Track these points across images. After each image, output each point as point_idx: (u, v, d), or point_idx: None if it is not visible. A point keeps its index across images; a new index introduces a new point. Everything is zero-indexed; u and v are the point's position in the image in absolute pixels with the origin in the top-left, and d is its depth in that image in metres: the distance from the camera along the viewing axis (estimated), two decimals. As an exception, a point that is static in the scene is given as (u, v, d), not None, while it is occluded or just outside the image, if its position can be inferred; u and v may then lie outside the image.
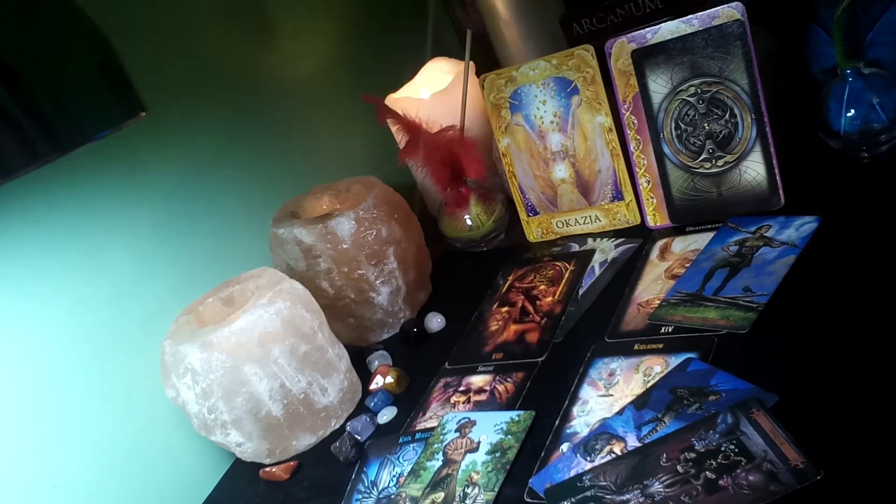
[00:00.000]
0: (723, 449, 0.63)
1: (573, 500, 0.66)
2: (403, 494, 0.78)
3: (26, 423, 0.85)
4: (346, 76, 1.35)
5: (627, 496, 0.64)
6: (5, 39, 0.66)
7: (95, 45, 0.74)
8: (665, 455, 0.65)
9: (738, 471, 0.61)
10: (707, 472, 0.62)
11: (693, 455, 0.64)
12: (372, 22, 1.42)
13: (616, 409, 0.74)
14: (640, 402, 0.73)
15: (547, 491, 0.68)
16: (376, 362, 1.02)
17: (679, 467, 0.64)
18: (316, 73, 1.30)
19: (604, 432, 0.71)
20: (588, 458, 0.70)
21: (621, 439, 0.70)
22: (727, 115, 0.91)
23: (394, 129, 1.17)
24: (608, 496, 0.65)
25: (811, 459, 0.59)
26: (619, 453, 0.68)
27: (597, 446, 0.70)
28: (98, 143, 0.74)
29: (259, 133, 1.17)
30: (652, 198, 0.99)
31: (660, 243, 0.96)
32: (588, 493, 0.66)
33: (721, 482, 0.61)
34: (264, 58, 1.21)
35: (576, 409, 0.77)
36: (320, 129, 1.29)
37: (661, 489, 0.63)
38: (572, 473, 0.69)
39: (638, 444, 0.68)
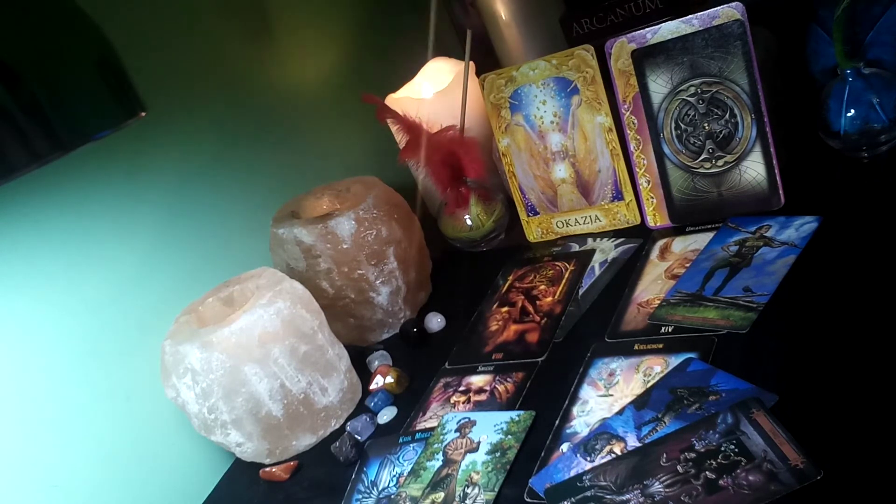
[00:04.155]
0: (723, 449, 0.63)
1: (573, 500, 0.66)
2: (403, 494, 0.78)
3: (26, 422, 0.85)
4: (346, 76, 1.35)
5: (627, 496, 0.64)
6: (5, 39, 0.66)
7: (95, 45, 0.74)
8: (665, 455, 0.65)
9: (738, 471, 0.61)
10: (707, 472, 0.62)
11: (693, 455, 0.64)
12: (372, 22, 1.42)
13: (616, 409, 0.74)
14: (640, 402, 0.73)
15: (547, 491, 0.68)
16: (376, 362, 1.02)
17: (679, 467, 0.64)
18: (316, 73, 1.30)
19: (604, 432, 0.71)
20: (588, 458, 0.70)
21: (621, 439, 0.70)
22: (727, 115, 0.91)
23: (394, 129, 1.17)
24: (608, 496, 0.65)
25: (811, 459, 0.59)
26: (619, 453, 0.68)
27: (597, 446, 0.70)
28: (98, 143, 0.74)
29: (259, 133, 1.17)
30: (652, 198, 0.99)
31: (660, 243, 0.96)
32: (588, 493, 0.66)
33: (721, 482, 0.61)
34: (265, 57, 1.21)
35: (576, 409, 0.77)
36: (320, 129, 1.29)
37: (661, 489, 0.63)
38: (572, 473, 0.69)
39: (638, 444, 0.68)
